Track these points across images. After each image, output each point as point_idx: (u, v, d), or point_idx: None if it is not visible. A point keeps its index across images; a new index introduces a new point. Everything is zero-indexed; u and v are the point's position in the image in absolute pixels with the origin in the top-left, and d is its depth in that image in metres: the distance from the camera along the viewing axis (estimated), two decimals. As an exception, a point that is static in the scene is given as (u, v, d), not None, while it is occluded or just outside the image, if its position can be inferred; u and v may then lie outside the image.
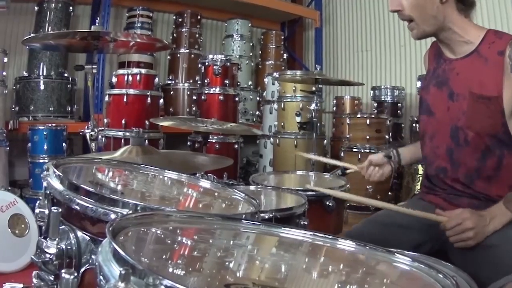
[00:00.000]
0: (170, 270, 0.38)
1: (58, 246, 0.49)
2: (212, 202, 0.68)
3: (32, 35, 1.33)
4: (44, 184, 0.57)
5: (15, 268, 1.31)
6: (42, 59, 2.07)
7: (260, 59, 2.99)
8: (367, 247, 0.48)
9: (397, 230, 0.84)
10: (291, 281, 0.41)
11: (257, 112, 2.63)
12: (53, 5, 2.10)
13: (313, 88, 1.88)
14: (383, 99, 2.37)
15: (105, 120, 1.81)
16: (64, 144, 1.83)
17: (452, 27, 0.79)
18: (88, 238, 0.49)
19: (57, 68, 2.09)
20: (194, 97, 2.20)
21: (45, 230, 0.54)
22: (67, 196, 0.51)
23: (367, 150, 1.94)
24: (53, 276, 0.52)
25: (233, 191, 0.69)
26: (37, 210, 0.56)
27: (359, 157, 1.94)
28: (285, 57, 2.99)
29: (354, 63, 2.93)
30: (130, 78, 1.81)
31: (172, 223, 0.47)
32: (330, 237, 0.50)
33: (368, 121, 1.95)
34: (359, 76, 2.87)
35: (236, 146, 2.08)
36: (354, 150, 1.97)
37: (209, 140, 1.89)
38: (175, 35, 2.62)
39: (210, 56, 2.11)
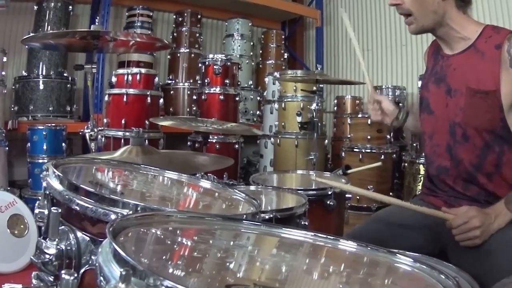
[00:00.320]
0: (171, 270, 0.38)
1: (58, 247, 0.49)
2: (212, 203, 0.68)
3: (31, 34, 1.33)
4: (44, 184, 0.56)
5: (15, 269, 1.31)
6: (41, 59, 2.07)
7: (260, 59, 2.98)
8: (369, 248, 0.47)
9: (398, 231, 0.84)
10: (291, 282, 0.40)
11: (258, 112, 2.63)
12: (53, 4, 2.09)
13: (314, 88, 1.87)
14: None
15: (105, 120, 1.80)
16: (63, 144, 1.83)
17: (450, 23, 0.79)
18: (88, 238, 0.49)
19: (56, 68, 2.09)
20: (194, 97, 2.19)
21: (44, 231, 0.54)
22: (66, 197, 0.50)
23: (368, 150, 1.93)
24: (52, 277, 0.51)
25: (234, 191, 0.69)
26: (36, 211, 0.55)
27: (360, 157, 1.93)
28: (285, 56, 2.98)
29: (355, 63, 2.92)
30: (130, 77, 1.80)
31: (173, 224, 0.47)
32: (331, 237, 0.50)
33: (369, 121, 1.94)
34: (360, 76, 2.86)
35: (237, 146, 2.07)
36: (355, 150, 1.97)
37: (209, 140, 1.90)
38: (175, 34, 2.61)
39: (211, 56, 2.10)
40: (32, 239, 1.34)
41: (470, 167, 0.80)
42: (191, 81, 2.47)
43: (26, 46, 1.95)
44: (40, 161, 1.77)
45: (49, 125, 1.81)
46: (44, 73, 2.05)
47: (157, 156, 0.90)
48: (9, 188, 1.63)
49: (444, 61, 0.84)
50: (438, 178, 0.86)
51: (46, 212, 0.55)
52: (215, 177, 0.89)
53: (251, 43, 2.84)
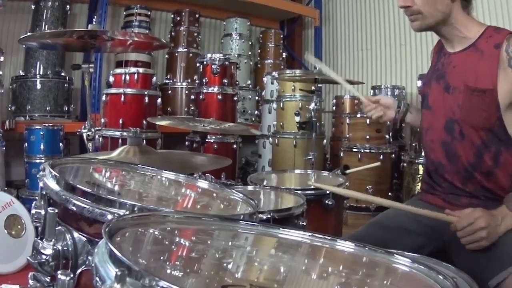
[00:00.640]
0: (168, 271, 0.38)
1: (54, 247, 0.49)
2: (210, 203, 0.68)
3: (28, 34, 1.32)
4: (40, 184, 0.56)
5: (12, 270, 1.30)
6: (38, 58, 2.06)
7: (259, 58, 2.98)
8: (366, 248, 0.47)
9: (398, 233, 0.84)
10: (289, 282, 0.40)
11: (256, 112, 2.62)
12: (50, 3, 2.08)
13: (313, 88, 1.87)
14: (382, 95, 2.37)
15: (102, 120, 1.80)
16: (61, 144, 1.82)
17: (454, 23, 0.81)
18: (84, 239, 0.49)
19: (54, 67, 2.08)
20: (192, 97, 2.19)
21: (41, 231, 0.54)
22: (63, 197, 0.50)
23: (367, 150, 1.93)
24: (49, 277, 0.51)
25: (231, 191, 0.69)
26: (33, 211, 0.55)
27: (359, 157, 1.93)
28: (284, 56, 2.98)
29: (354, 62, 2.92)
30: (127, 77, 1.79)
31: (170, 224, 0.47)
32: (329, 238, 0.50)
33: (368, 121, 1.94)
34: (359, 75, 2.87)
35: (235, 146, 2.07)
36: (354, 150, 1.97)
37: (207, 140, 1.89)
38: (173, 33, 2.60)
39: (209, 55, 2.09)
40: (29, 239, 1.33)
41: (467, 165, 0.80)
42: (189, 80, 2.47)
43: (23, 46, 1.94)
44: (37, 161, 1.77)
45: (47, 125, 1.81)
46: (41, 73, 2.04)
47: (155, 156, 0.90)
48: (6, 188, 1.62)
49: (446, 58, 0.85)
50: (436, 173, 0.86)
51: (42, 212, 0.54)
52: (213, 177, 0.89)
53: (250, 43, 2.84)
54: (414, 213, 0.79)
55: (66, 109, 2.07)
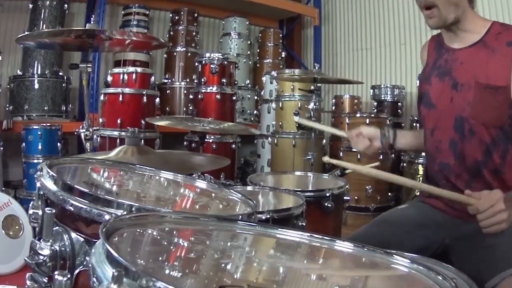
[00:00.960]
0: (166, 272, 0.38)
1: (52, 248, 0.49)
2: (208, 203, 0.67)
3: (26, 33, 1.31)
4: (38, 184, 0.56)
5: (9, 270, 1.30)
6: (36, 58, 2.05)
7: (258, 58, 2.97)
8: (365, 249, 0.47)
9: (398, 235, 0.83)
10: (288, 283, 0.40)
11: (255, 112, 2.62)
12: (48, 2, 2.07)
13: (312, 87, 1.87)
14: (383, 98, 2.36)
15: (100, 120, 1.79)
16: (58, 144, 1.81)
17: (464, 17, 0.80)
18: (82, 239, 0.49)
19: (51, 67, 2.07)
20: (191, 96, 2.18)
21: (38, 232, 0.54)
22: (60, 197, 0.50)
23: (367, 150, 1.94)
24: (46, 278, 0.51)
25: (230, 191, 0.68)
26: (30, 211, 0.55)
27: (359, 157, 1.93)
28: (283, 55, 2.97)
29: (354, 62, 2.92)
30: (125, 77, 1.79)
31: (168, 224, 0.47)
32: (328, 238, 0.49)
33: (367, 121, 1.94)
34: (358, 75, 2.87)
35: (234, 146, 2.06)
36: (353, 150, 1.96)
37: (206, 140, 1.88)
38: (171, 33, 2.59)
39: (207, 55, 2.09)
40: (27, 240, 1.33)
41: (475, 163, 0.78)
42: (188, 80, 2.46)
43: (21, 45, 1.92)
44: (35, 161, 1.76)
45: (44, 125, 1.80)
46: (39, 72, 2.03)
47: (153, 156, 0.89)
48: (3, 188, 1.62)
49: (450, 55, 0.83)
50: (440, 174, 0.84)
51: (40, 212, 0.54)
52: (211, 177, 0.89)
53: (249, 42, 2.83)
54: (413, 212, 0.78)
55: (64, 108, 2.06)
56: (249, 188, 1.03)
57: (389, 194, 1.95)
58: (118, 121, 1.74)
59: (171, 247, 0.44)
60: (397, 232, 0.84)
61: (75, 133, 1.22)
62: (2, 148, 1.72)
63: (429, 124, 0.86)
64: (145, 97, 1.78)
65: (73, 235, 0.49)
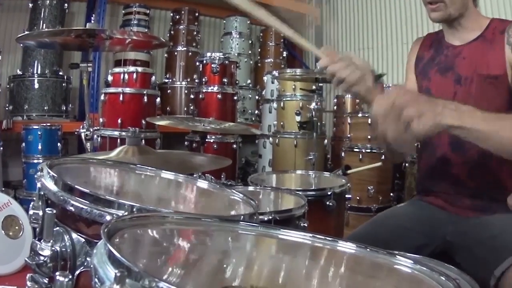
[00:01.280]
0: (167, 272, 0.37)
1: (53, 248, 0.48)
2: (209, 204, 0.67)
3: (26, 32, 1.31)
4: (38, 185, 0.55)
5: (9, 271, 1.29)
6: (36, 57, 2.04)
7: (259, 57, 2.96)
8: (368, 249, 0.47)
9: (398, 232, 0.83)
10: (290, 284, 0.40)
11: (256, 111, 2.62)
12: (48, 2, 2.07)
13: (313, 87, 1.87)
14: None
15: (101, 120, 1.79)
16: (59, 144, 1.81)
17: (467, 14, 0.81)
18: (83, 240, 0.48)
19: (51, 67, 2.07)
20: (192, 96, 2.18)
21: (39, 232, 0.53)
22: (61, 197, 0.49)
23: (369, 150, 1.91)
24: (47, 279, 0.50)
25: (231, 192, 0.68)
26: (31, 212, 0.54)
27: (360, 157, 1.92)
28: (284, 55, 2.96)
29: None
30: (126, 76, 1.78)
31: (169, 225, 0.46)
32: (330, 239, 0.49)
33: (369, 121, 1.91)
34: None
35: (235, 146, 2.06)
36: (355, 150, 1.95)
37: (207, 140, 1.88)
38: (172, 32, 2.59)
39: (208, 54, 2.08)
40: (27, 240, 1.32)
41: (477, 154, 0.77)
42: (189, 80, 2.46)
43: (21, 45, 1.92)
44: (35, 161, 1.76)
45: (44, 124, 1.79)
46: (39, 72, 2.02)
47: (154, 156, 0.89)
48: (3, 188, 1.62)
49: (450, 50, 0.85)
50: (440, 170, 0.83)
51: (40, 213, 0.54)
52: (212, 177, 0.89)
53: (250, 41, 2.82)
54: (413, 212, 0.77)
55: (64, 108, 2.06)
56: (251, 188, 1.03)
57: (391, 194, 1.95)
58: (119, 121, 1.74)
59: (173, 248, 0.43)
60: (396, 230, 0.84)
61: (76, 133, 1.22)
62: (2, 148, 1.72)
63: None
64: (145, 97, 1.78)
65: (74, 235, 0.49)
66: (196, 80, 2.20)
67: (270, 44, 2.92)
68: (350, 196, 1.18)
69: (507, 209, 0.72)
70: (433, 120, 0.55)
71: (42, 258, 0.48)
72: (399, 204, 0.97)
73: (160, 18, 2.83)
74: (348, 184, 1.15)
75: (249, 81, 2.70)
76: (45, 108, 1.99)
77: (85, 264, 0.48)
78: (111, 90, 1.79)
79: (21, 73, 2.03)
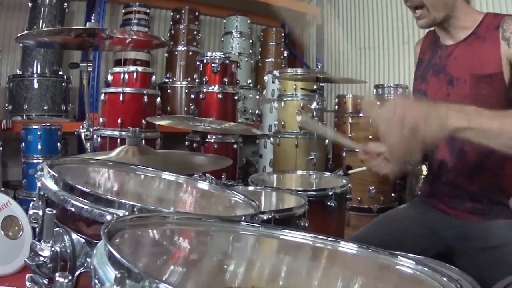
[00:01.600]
0: (168, 273, 0.37)
1: (52, 249, 0.48)
2: (210, 204, 0.67)
3: (25, 32, 1.30)
4: (38, 184, 0.55)
5: (9, 271, 1.29)
6: (36, 57, 2.04)
7: (260, 57, 2.96)
8: (369, 250, 0.46)
9: (400, 235, 0.82)
10: (291, 285, 0.40)
11: (257, 111, 2.61)
12: (47, 1, 2.06)
13: (314, 87, 1.86)
14: (386, 98, 2.35)
15: (101, 120, 1.78)
16: (58, 144, 1.80)
17: (456, 13, 0.78)
18: (83, 240, 0.48)
19: (51, 66, 2.06)
20: (192, 96, 2.17)
21: (39, 232, 0.53)
22: (61, 197, 0.49)
23: (370, 151, 1.92)
24: (47, 279, 0.50)
25: (232, 192, 0.68)
26: (30, 212, 0.54)
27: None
28: (285, 54, 2.96)
29: (357, 61, 2.90)
30: (126, 76, 1.78)
31: (169, 225, 0.46)
32: (331, 239, 0.49)
33: (371, 120, 1.93)
34: (361, 74, 2.84)
35: (235, 146, 2.06)
36: (356, 150, 1.96)
37: (207, 140, 1.88)
38: (172, 32, 2.59)
39: (209, 54, 2.08)
40: (26, 241, 1.32)
41: (476, 157, 0.77)
42: (189, 79, 2.45)
43: (20, 44, 1.91)
44: (35, 161, 1.75)
45: (44, 124, 1.79)
46: (38, 72, 2.02)
47: (154, 156, 0.89)
48: (3, 189, 1.61)
49: (443, 51, 0.83)
50: (439, 173, 0.83)
51: (40, 213, 0.53)
52: (213, 177, 0.88)
53: (250, 41, 2.82)
54: (412, 212, 0.76)
55: (64, 108, 2.05)
56: (251, 188, 1.03)
57: (392, 194, 1.94)
58: (119, 120, 1.73)
59: (174, 248, 0.43)
60: (398, 233, 0.83)
61: (75, 133, 1.22)
62: (1, 148, 1.71)
63: None
64: (146, 97, 1.77)
65: (74, 236, 0.48)
66: (197, 80, 2.19)
67: (271, 43, 2.92)
68: (351, 196, 1.18)
69: (508, 212, 0.72)
70: (439, 123, 0.53)
71: (41, 258, 0.48)
72: (401, 206, 0.96)
73: (161, 18, 2.83)
74: (349, 185, 1.15)
75: (249, 80, 2.70)
76: (44, 108, 1.98)
77: (85, 264, 0.47)
78: (111, 89, 1.79)
79: (20, 73, 2.02)
